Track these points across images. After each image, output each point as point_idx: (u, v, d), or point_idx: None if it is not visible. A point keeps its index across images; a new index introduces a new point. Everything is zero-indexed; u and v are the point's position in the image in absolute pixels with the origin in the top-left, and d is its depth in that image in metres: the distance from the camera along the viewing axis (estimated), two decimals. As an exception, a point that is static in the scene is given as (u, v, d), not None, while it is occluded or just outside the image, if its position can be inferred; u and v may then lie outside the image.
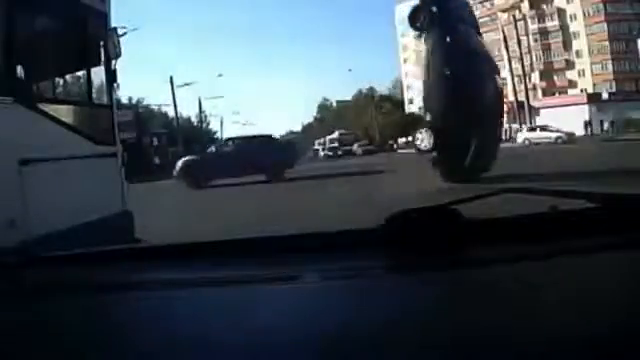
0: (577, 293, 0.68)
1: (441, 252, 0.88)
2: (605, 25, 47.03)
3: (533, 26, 51.61)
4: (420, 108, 60.44)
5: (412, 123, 56.45)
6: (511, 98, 39.63)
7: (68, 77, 4.66)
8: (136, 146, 23.67)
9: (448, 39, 10.34)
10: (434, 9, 10.66)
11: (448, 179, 10.14)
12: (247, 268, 0.95)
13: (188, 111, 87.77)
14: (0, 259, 1.01)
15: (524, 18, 50.78)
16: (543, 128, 33.29)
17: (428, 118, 11.27)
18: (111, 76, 4.40)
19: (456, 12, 10.93)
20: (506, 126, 29.34)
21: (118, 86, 4.61)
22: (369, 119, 58.44)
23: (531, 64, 50.11)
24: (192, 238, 1.20)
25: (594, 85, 47.95)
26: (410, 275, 0.84)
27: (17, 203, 3.17)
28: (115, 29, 4.38)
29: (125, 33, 5.60)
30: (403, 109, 65.10)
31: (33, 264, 1.04)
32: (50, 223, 3.10)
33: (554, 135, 31.19)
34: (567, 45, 50.35)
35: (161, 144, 34.28)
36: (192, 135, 43.23)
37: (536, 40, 51.67)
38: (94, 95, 4.46)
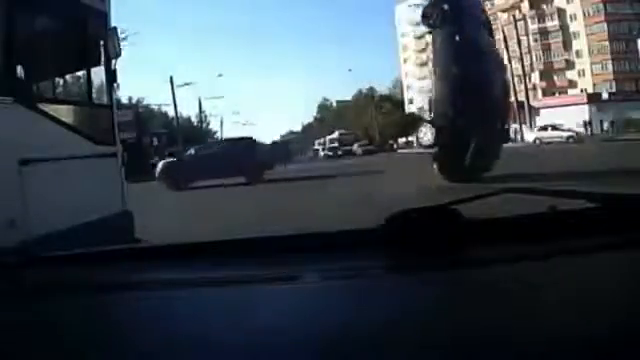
0: (577, 293, 0.68)
1: (441, 252, 0.88)
2: (605, 25, 47.03)
3: (533, 26, 51.61)
4: (420, 108, 60.49)
5: (412, 123, 56.59)
6: (511, 98, 39.61)
7: (68, 77, 4.66)
8: (136, 146, 23.67)
9: (457, 37, 10.43)
10: (446, 7, 10.77)
11: (448, 176, 10.17)
12: (247, 268, 0.95)
13: (188, 111, 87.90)
14: (0, 259, 1.01)
15: (524, 18, 50.78)
16: (554, 127, 33.32)
17: (432, 113, 11.33)
18: (111, 76, 4.39)
19: (468, 11, 11.03)
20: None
21: (118, 86, 4.62)
22: (369, 119, 58.48)
23: (531, 64, 50.10)
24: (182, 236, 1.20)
25: (594, 85, 47.94)
26: (410, 275, 0.84)
27: (17, 203, 3.17)
28: (115, 29, 4.38)
29: (125, 37, 5.61)
30: (403, 109, 65.14)
31: (33, 264, 1.04)
32: (50, 223, 3.10)
33: (565, 134, 31.21)
34: (567, 45, 50.35)
35: (161, 144, 34.28)
36: (192, 135, 43.22)
37: (536, 40, 51.68)
38: (94, 95, 4.46)
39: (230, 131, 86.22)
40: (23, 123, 3.38)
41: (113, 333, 0.72)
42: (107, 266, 1.05)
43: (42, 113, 3.62)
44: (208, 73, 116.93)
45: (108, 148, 4.31)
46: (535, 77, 51.03)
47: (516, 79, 43.34)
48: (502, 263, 0.81)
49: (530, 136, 33.92)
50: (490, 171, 10.02)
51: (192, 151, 18.65)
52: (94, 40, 4.26)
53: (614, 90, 46.25)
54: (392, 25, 71.07)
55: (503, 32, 43.68)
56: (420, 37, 65.83)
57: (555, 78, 51.36)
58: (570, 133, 31.31)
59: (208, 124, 57.28)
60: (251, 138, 19.56)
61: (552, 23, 50.98)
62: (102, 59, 4.35)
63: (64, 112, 3.96)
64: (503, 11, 50.98)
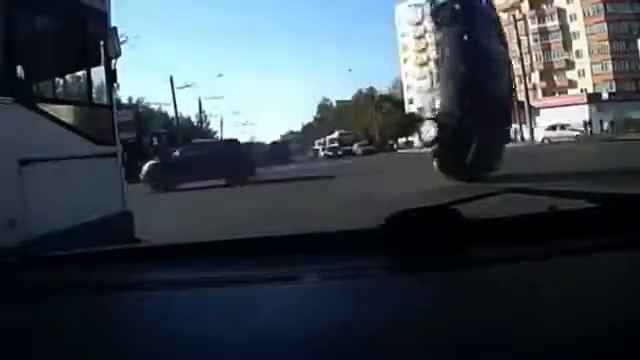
0: (577, 293, 0.68)
1: (441, 252, 0.88)
2: (605, 25, 47.03)
3: (533, 26, 51.62)
4: (420, 108, 60.37)
5: (412, 123, 56.69)
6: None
7: (68, 77, 4.66)
8: (136, 146, 23.67)
9: (466, 37, 10.50)
10: (457, 6, 10.88)
11: (447, 173, 10.21)
12: (247, 268, 0.95)
13: (188, 111, 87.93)
14: (0, 259, 1.01)
15: (524, 18, 50.75)
16: (562, 126, 33.37)
17: (436, 110, 11.40)
18: (111, 76, 4.39)
19: (478, 11, 11.14)
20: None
21: (118, 86, 4.62)
22: (369, 119, 58.48)
23: (531, 64, 50.10)
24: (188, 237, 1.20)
25: (594, 85, 47.94)
26: (410, 275, 0.84)
27: (17, 203, 3.17)
28: (115, 29, 4.38)
29: (125, 41, 5.62)
30: (403, 109, 65.15)
31: (33, 264, 1.05)
32: (50, 223, 3.10)
33: (575, 133, 31.20)
34: (567, 45, 50.36)
35: (161, 144, 34.26)
36: (192, 135, 43.22)
37: (536, 40, 51.69)
38: (94, 95, 4.46)
39: (230, 131, 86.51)
40: (23, 123, 3.38)
41: (113, 333, 0.72)
42: (107, 266, 1.05)
43: (42, 113, 3.62)
44: (208, 73, 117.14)
45: (108, 148, 4.31)
46: (535, 77, 51.04)
47: (516, 79, 43.36)
48: (502, 263, 0.81)
49: (539, 135, 33.92)
50: (491, 171, 10.03)
51: (176, 153, 18.53)
52: (94, 40, 4.26)
53: (614, 90, 46.25)
54: (392, 25, 71.19)
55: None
56: (420, 37, 65.98)
57: (555, 78, 51.37)
58: (578, 133, 31.29)
59: (208, 124, 57.27)
60: (236, 140, 19.50)
61: (552, 23, 50.99)
62: (102, 59, 4.35)
63: (64, 112, 3.96)
64: (503, 11, 50.80)
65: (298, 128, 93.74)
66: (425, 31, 64.62)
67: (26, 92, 3.61)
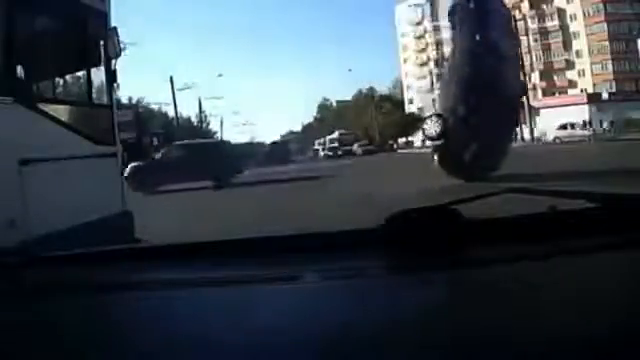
0: (577, 293, 0.68)
1: (441, 252, 0.88)
2: (605, 25, 47.04)
3: (533, 26, 51.63)
4: (420, 108, 60.30)
5: (412, 123, 56.67)
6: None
7: (68, 77, 4.66)
8: (136, 146, 23.66)
9: (478, 37, 10.60)
10: (472, 6, 11.01)
11: (447, 170, 10.25)
12: (247, 268, 0.95)
13: (188, 111, 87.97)
14: (0, 259, 1.01)
15: (524, 18, 50.77)
16: (573, 125, 33.33)
17: (442, 106, 11.46)
18: (111, 76, 4.39)
19: (492, 12, 11.23)
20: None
21: (118, 86, 4.61)
22: (369, 119, 58.48)
23: (531, 64, 50.11)
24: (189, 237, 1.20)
25: (594, 85, 47.94)
26: (410, 275, 0.84)
27: (17, 203, 3.17)
28: (115, 29, 4.38)
29: (125, 47, 5.61)
30: (403, 109, 65.14)
31: (33, 264, 1.05)
32: (50, 223, 3.10)
33: (587, 132, 31.17)
34: (567, 45, 50.36)
35: (161, 144, 34.24)
36: (192, 135, 43.20)
37: (536, 40, 51.70)
38: (94, 95, 4.46)
39: (230, 131, 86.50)
40: (23, 123, 3.38)
41: (113, 333, 0.72)
42: (107, 266, 1.05)
43: (42, 113, 3.62)
44: (208, 73, 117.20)
45: (108, 148, 4.31)
46: (535, 77, 51.04)
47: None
48: (502, 263, 0.81)
49: (549, 134, 33.87)
50: (493, 171, 10.04)
51: (160, 154, 18.36)
52: (94, 40, 4.26)
53: (614, 90, 46.25)
54: (392, 25, 71.18)
55: (503, 32, 43.73)
56: (420, 37, 65.99)
57: (555, 78, 51.37)
58: (589, 132, 31.22)
59: (208, 124, 57.26)
60: (219, 142, 19.15)
61: (552, 23, 51.00)
62: (102, 59, 4.35)
63: (64, 112, 3.96)
64: (503, 11, 50.94)
65: (298, 128, 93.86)
66: (425, 31, 64.73)
67: (26, 92, 3.61)
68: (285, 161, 37.98)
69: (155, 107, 48.15)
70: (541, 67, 51.53)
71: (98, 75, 4.38)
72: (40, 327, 0.74)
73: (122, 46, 4.51)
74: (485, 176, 9.63)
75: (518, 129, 35.47)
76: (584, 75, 49.26)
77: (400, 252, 0.92)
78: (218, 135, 54.61)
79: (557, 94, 50.28)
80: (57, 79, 4.54)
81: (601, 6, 47.15)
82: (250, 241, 1.08)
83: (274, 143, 53.10)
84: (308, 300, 0.76)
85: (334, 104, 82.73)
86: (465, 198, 1.02)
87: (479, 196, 1.04)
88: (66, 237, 3.15)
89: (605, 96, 45.06)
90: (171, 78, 37.95)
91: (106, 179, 4.19)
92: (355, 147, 47.13)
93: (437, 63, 62.32)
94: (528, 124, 37.92)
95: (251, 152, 50.21)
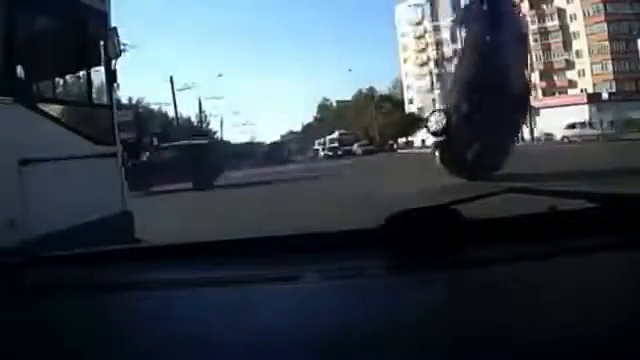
0: (577, 293, 0.68)
1: (441, 252, 0.88)
2: (605, 25, 47.04)
3: (533, 26, 51.57)
4: (420, 108, 60.20)
5: (412, 123, 56.66)
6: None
7: (68, 77, 4.66)
8: (136, 146, 23.65)
9: (488, 37, 10.69)
10: (485, 7, 11.15)
11: (448, 167, 10.28)
12: (247, 268, 0.95)
13: (188, 111, 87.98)
14: (0, 259, 1.01)
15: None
16: (582, 125, 33.20)
17: (447, 102, 11.53)
18: (111, 76, 4.39)
19: (504, 14, 11.36)
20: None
21: (118, 86, 4.61)
22: (369, 119, 58.46)
23: (531, 64, 50.02)
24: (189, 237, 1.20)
25: (594, 85, 47.94)
26: (410, 275, 0.84)
27: (17, 203, 3.17)
28: (115, 29, 4.38)
29: (125, 49, 5.61)
30: (403, 109, 65.13)
31: (33, 264, 1.05)
32: (50, 223, 3.10)
33: (597, 132, 30.98)
34: (567, 45, 50.36)
35: (160, 144, 34.21)
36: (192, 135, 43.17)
37: (536, 40, 51.65)
38: (94, 95, 4.46)
39: (230, 131, 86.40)
40: (23, 123, 3.37)
41: (113, 333, 0.72)
42: (107, 266, 1.05)
43: (42, 113, 3.62)
44: (208, 73, 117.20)
45: (108, 148, 4.31)
46: (535, 77, 51.02)
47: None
48: (502, 263, 0.81)
49: (557, 134, 33.73)
50: (495, 170, 10.05)
51: (145, 156, 18.39)
52: (94, 40, 4.26)
53: (614, 90, 46.25)
54: (392, 25, 71.16)
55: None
56: (420, 37, 65.96)
57: (555, 78, 51.37)
58: (599, 131, 31.05)
59: (208, 124, 57.21)
60: (203, 143, 19.24)
61: (552, 23, 51.00)
62: (102, 59, 4.35)
63: (64, 112, 3.96)
64: (503, 11, 50.96)
65: (298, 128, 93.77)
66: (425, 31, 64.69)
67: (26, 92, 3.61)
68: (282, 161, 38.13)
69: (155, 107, 48.17)
70: (541, 67, 51.51)
71: (98, 75, 4.38)
72: (40, 327, 0.74)
73: (122, 47, 4.51)
74: (488, 175, 9.64)
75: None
76: (584, 75, 49.25)
77: (400, 252, 0.92)
78: (218, 135, 54.68)
79: (557, 94, 50.27)
80: (57, 79, 4.54)
81: (601, 6, 47.14)
82: (250, 241, 1.08)
83: (274, 143, 53.33)
84: (308, 300, 0.76)
85: (334, 104, 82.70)
86: (465, 198, 1.02)
87: (479, 196, 1.04)
88: (66, 237, 3.15)
89: (605, 96, 45.06)
90: (171, 78, 37.98)
91: (106, 179, 4.19)
92: (355, 147, 47.12)
93: (437, 63, 62.33)
94: (528, 124, 37.88)
95: (251, 152, 50.43)
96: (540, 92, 50.38)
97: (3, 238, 2.73)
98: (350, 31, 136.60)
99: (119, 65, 4.44)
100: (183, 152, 17.16)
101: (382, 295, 0.75)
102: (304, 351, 0.59)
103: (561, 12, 50.48)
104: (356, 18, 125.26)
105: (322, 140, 56.50)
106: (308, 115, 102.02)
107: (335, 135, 52.30)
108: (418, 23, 65.54)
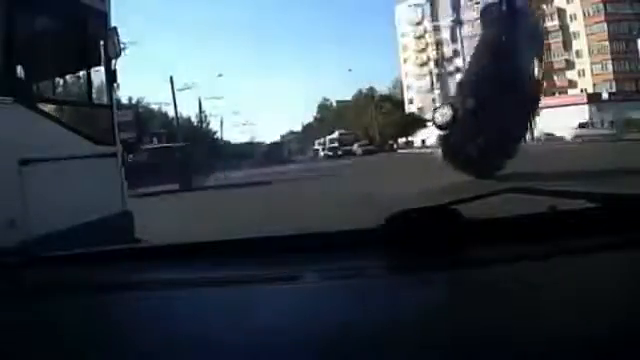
0: (577, 293, 0.68)
1: (441, 252, 0.88)
2: (605, 25, 47.06)
3: (533, 26, 51.59)
4: (420, 108, 60.11)
5: (412, 123, 56.66)
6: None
7: (68, 77, 4.66)
8: (136, 146, 23.69)
9: (504, 38, 10.77)
10: (504, 8, 11.27)
11: (451, 162, 10.26)
12: (247, 268, 0.95)
13: (188, 111, 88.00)
14: (0, 259, 1.01)
15: (524, 18, 50.72)
16: (593, 124, 33.03)
17: (456, 97, 11.59)
18: (111, 76, 4.39)
19: (522, 16, 11.49)
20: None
21: (118, 86, 4.61)
22: (369, 119, 58.44)
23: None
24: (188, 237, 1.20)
25: (594, 85, 47.96)
26: (410, 275, 0.84)
27: (17, 203, 3.17)
28: (115, 29, 4.38)
29: (125, 47, 5.61)
30: (403, 109, 65.09)
31: (33, 264, 1.05)
32: (50, 223, 3.10)
33: (611, 131, 30.64)
34: (567, 45, 50.36)
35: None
36: (192, 135, 43.22)
37: (536, 40, 51.65)
38: (94, 95, 4.46)
39: (230, 131, 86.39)
40: (23, 123, 3.37)
41: (113, 333, 0.72)
42: (107, 266, 1.05)
43: (42, 113, 3.62)
44: (208, 73, 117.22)
45: (108, 148, 4.30)
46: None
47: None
48: (502, 263, 0.81)
49: (569, 133, 33.48)
50: (498, 169, 10.06)
51: (129, 158, 18.53)
52: (94, 40, 4.25)
53: (614, 90, 46.26)
54: (392, 25, 71.12)
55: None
56: (420, 37, 65.95)
57: (555, 78, 51.36)
58: (610, 131, 30.86)
59: (208, 124, 57.25)
60: (185, 145, 19.36)
61: (552, 23, 50.96)
62: (102, 59, 4.35)
63: (64, 112, 3.96)
64: (503, 11, 50.93)
65: (298, 128, 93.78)
66: (425, 31, 64.67)
67: (26, 92, 3.61)
68: (281, 161, 38.43)
69: (155, 107, 48.19)
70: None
71: (98, 75, 4.37)
72: (40, 327, 0.74)
73: (122, 46, 4.51)
74: (490, 174, 9.66)
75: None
76: (584, 75, 49.27)
77: (400, 252, 0.92)
78: (218, 135, 54.73)
79: (557, 94, 50.26)
80: (57, 79, 4.54)
81: (601, 6, 47.16)
82: (250, 241, 1.08)
83: (273, 144, 53.68)
84: (308, 300, 0.76)
85: (334, 104, 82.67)
86: (465, 198, 1.02)
87: (479, 196, 1.04)
88: (66, 237, 3.15)
89: (605, 96, 45.06)
90: (171, 78, 37.95)
91: (106, 179, 4.19)
92: (355, 147, 47.13)
93: (437, 63, 62.34)
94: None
95: (251, 152, 50.56)
96: (540, 92, 50.35)
97: (3, 238, 2.73)
98: (350, 31, 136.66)
99: (119, 65, 4.45)
100: (162, 155, 17.24)
101: (382, 295, 0.75)
102: (304, 351, 0.59)
103: (561, 12, 50.48)
104: (356, 18, 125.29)
105: (322, 140, 56.52)
106: (308, 115, 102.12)
107: (335, 135, 52.32)
108: (418, 23, 65.51)
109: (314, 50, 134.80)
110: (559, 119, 36.02)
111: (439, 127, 11.15)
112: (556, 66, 51.00)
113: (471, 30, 54.58)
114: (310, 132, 78.39)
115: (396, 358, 0.55)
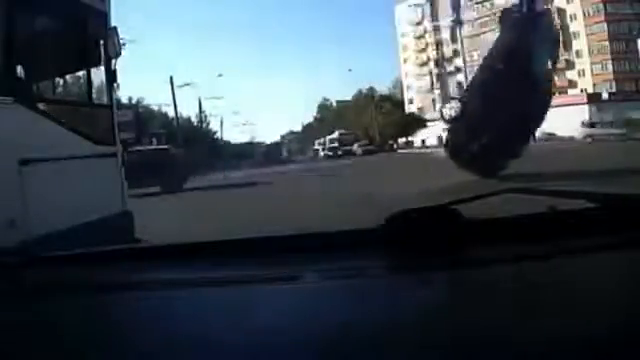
0: (577, 293, 0.68)
1: (441, 252, 0.88)
2: (605, 25, 47.06)
3: (533, 26, 51.62)
4: (420, 108, 60.07)
5: (412, 123, 56.64)
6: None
7: (68, 77, 4.66)
8: (126, 147, 23.69)
9: (518, 42, 10.84)
10: (524, 10, 11.43)
11: (454, 158, 10.30)
12: (247, 268, 0.95)
13: (188, 111, 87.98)
14: (0, 259, 1.01)
15: (524, 18, 50.74)
16: (603, 123, 32.85)
17: (467, 93, 11.68)
18: (111, 76, 4.39)
19: (539, 22, 11.57)
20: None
21: (118, 86, 4.61)
22: (369, 119, 58.41)
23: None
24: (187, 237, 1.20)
25: (594, 85, 47.96)
26: (410, 275, 0.84)
27: (17, 203, 3.17)
28: (115, 29, 4.38)
29: (124, 43, 5.60)
30: (403, 109, 65.07)
31: (33, 264, 1.05)
32: (50, 223, 3.10)
33: (622, 131, 30.00)
34: (567, 45, 50.31)
35: (161, 144, 34.24)
36: (192, 135, 43.25)
37: (536, 40, 51.68)
38: (94, 95, 4.46)
39: (230, 131, 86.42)
40: (23, 123, 3.38)
41: (113, 333, 0.72)
42: (107, 266, 1.05)
43: (42, 113, 3.62)
44: (208, 73, 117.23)
45: (108, 148, 4.30)
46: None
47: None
48: (502, 263, 0.81)
49: (579, 132, 33.14)
50: (502, 169, 10.07)
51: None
52: (94, 40, 4.25)
53: (614, 90, 46.26)
54: (392, 25, 71.10)
55: (503, 32, 43.76)
56: (420, 37, 65.94)
57: (555, 78, 51.33)
58: (621, 131, 30.34)
59: (208, 124, 57.25)
60: (167, 148, 19.51)
61: (552, 23, 50.98)
62: (102, 59, 4.35)
63: (64, 112, 3.96)
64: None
65: (298, 128, 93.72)
66: (425, 31, 64.66)
67: (26, 92, 3.61)
68: (280, 161, 38.75)
69: (155, 107, 48.20)
70: (541, 67, 51.54)
71: (98, 75, 4.38)
72: (40, 327, 0.74)
73: (122, 44, 4.51)
74: (494, 173, 9.67)
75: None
76: (584, 75, 49.27)
77: (400, 252, 0.92)
78: (218, 135, 54.75)
79: (557, 94, 50.24)
80: (57, 79, 4.54)
81: (601, 6, 47.17)
82: (250, 241, 1.08)
83: (273, 144, 53.98)
84: (308, 300, 0.76)
85: (334, 104, 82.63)
86: (465, 198, 1.02)
87: (479, 196, 1.04)
88: (66, 237, 3.15)
89: (605, 96, 45.05)
90: (171, 78, 37.97)
91: (106, 179, 4.19)
92: (355, 147, 47.10)
93: (437, 63, 62.33)
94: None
95: (251, 152, 50.72)
96: (540, 92, 50.38)
97: (3, 238, 2.73)
98: (350, 31, 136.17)
99: (119, 65, 4.45)
100: (146, 157, 17.20)
101: (382, 295, 0.75)
102: (304, 351, 0.59)
103: (561, 12, 50.43)
104: (356, 18, 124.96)
105: (322, 140, 56.51)
106: (308, 115, 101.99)
107: (335, 135, 52.30)
108: (418, 23, 65.51)
109: (314, 50, 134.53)
110: (559, 119, 36.02)
111: (447, 121, 11.21)
112: (556, 66, 51.03)
113: (471, 30, 54.59)
114: (310, 132, 78.35)
115: (396, 358, 0.55)
